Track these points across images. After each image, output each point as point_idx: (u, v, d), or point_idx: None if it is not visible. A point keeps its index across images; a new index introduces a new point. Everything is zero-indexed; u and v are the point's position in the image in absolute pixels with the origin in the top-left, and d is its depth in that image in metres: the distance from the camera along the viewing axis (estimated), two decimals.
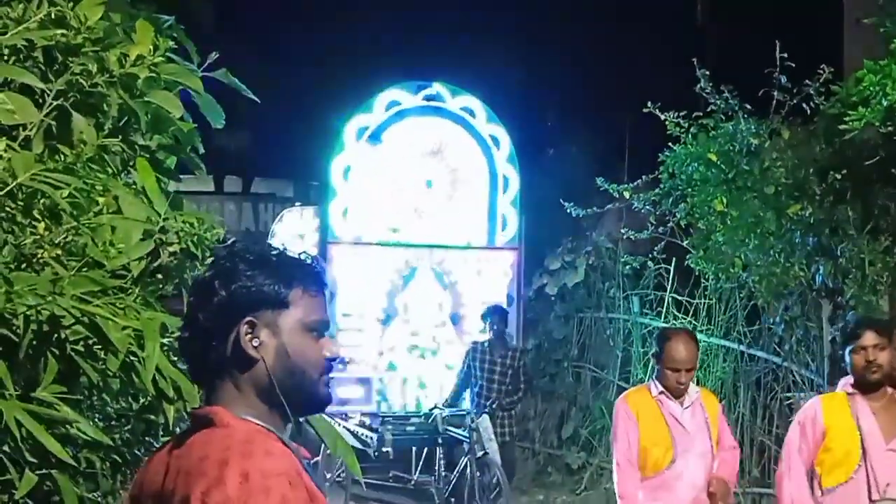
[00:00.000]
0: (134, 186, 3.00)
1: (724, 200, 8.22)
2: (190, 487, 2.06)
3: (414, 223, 11.52)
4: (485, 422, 9.81)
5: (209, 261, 2.34)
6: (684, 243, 9.22)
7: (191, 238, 2.98)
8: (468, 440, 10.01)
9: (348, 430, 10.87)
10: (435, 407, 10.80)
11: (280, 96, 13.09)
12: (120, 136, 2.99)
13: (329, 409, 8.11)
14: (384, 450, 11.01)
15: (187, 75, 3.12)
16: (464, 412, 10.47)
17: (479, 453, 9.82)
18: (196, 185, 11.79)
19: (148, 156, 3.03)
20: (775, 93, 8.33)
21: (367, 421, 11.23)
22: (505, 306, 11.38)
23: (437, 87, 11.66)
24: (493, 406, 10.01)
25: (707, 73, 8.46)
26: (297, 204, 11.83)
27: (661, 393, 5.36)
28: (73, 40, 2.93)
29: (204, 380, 2.28)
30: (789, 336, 8.97)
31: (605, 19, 13.93)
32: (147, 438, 2.98)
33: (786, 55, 8.22)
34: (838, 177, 7.62)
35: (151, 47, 2.99)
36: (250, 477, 2.03)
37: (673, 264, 10.16)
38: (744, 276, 8.67)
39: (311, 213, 11.41)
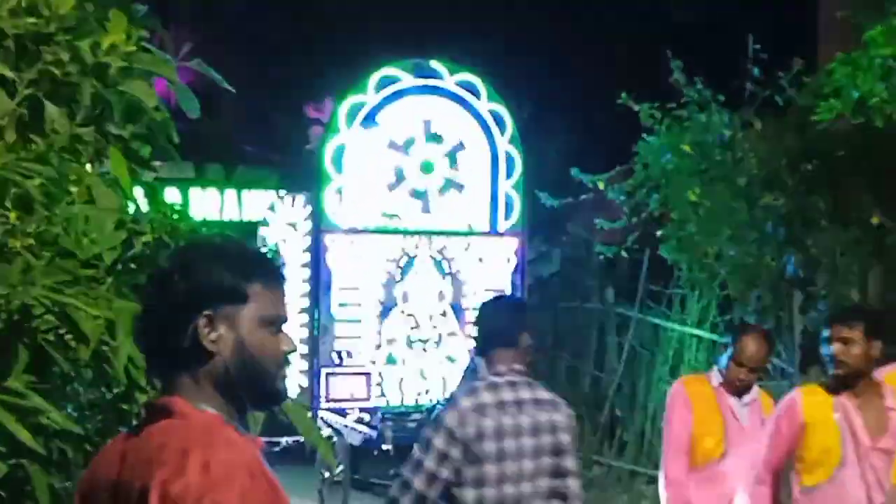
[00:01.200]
0: (108, 176, 3.20)
1: (697, 191, 8.56)
2: (149, 477, 2.20)
3: (412, 209, 11.67)
4: None
5: (169, 252, 2.51)
6: (658, 234, 9.58)
7: (164, 228, 3.18)
8: None
9: (346, 426, 11.06)
10: (438, 402, 11.00)
11: (266, 79, 13.36)
12: (93, 126, 3.18)
13: (326, 405, 8.37)
14: (384, 447, 11.23)
15: (161, 64, 3.31)
16: None
17: None
18: (177, 172, 11.96)
19: (121, 145, 3.23)
20: (748, 84, 8.70)
21: (366, 417, 11.42)
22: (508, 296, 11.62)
23: (434, 64, 11.77)
24: None
25: (681, 64, 8.78)
26: (280, 192, 11.86)
27: (721, 384, 5.53)
28: (44, 29, 3.12)
29: (161, 371, 2.44)
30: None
31: (580, 8, 14.24)
32: (120, 428, 3.17)
33: (759, 46, 8.66)
34: (810, 168, 8.07)
35: (125, 36, 3.18)
36: (211, 467, 2.18)
37: (647, 254, 10.53)
38: (716, 267, 9.10)
39: (304, 201, 11.48)
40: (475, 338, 5.00)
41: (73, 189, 2.99)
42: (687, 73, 9.06)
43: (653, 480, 9.44)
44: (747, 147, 8.63)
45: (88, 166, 3.22)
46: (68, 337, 2.82)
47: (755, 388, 5.61)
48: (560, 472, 4.55)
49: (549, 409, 4.64)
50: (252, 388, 2.41)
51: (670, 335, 11.63)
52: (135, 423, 2.61)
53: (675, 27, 13.90)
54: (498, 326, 4.74)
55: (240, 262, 2.43)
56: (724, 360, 5.55)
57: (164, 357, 2.39)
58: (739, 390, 5.51)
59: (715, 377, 5.56)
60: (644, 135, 9.34)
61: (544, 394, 4.71)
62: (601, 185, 10.14)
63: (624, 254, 10.62)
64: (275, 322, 2.44)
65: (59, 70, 3.09)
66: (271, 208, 11.85)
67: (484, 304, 5.17)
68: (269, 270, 2.48)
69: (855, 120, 7.41)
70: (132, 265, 3.15)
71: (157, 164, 3.47)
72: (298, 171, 12.60)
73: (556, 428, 4.60)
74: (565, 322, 12.46)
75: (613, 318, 11.63)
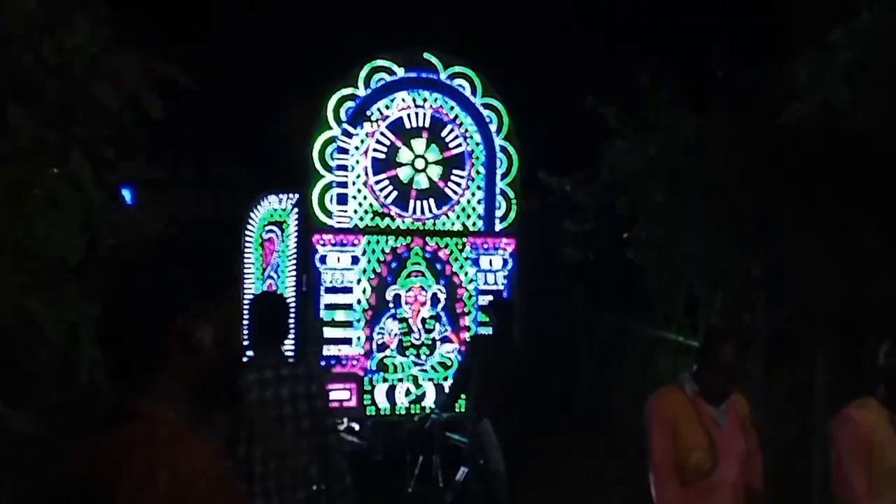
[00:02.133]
0: (72, 178, 3.36)
1: (663, 193, 8.80)
2: (115, 483, 2.35)
3: (404, 208, 11.79)
4: (485, 426, 9.99)
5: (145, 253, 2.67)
6: (625, 236, 10.04)
7: (130, 230, 3.35)
8: (468, 446, 10.30)
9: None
10: (431, 410, 11.12)
11: (246, 71, 13.55)
12: (57, 127, 3.35)
13: None
14: (375, 458, 11.33)
15: (127, 64, 3.48)
16: (462, 415, 10.76)
17: (480, 461, 10.04)
18: (148, 172, 12.10)
19: (86, 147, 3.39)
20: (715, 86, 9.07)
21: (356, 426, 11.56)
22: (509, 299, 11.76)
23: (427, 56, 11.89)
24: (495, 409, 10.15)
25: (650, 66, 9.09)
26: (267, 194, 11.94)
27: (697, 393, 5.58)
28: (7, 29, 3.29)
29: (127, 372, 2.56)
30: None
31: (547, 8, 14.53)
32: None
33: (727, 48, 9.00)
34: (776, 170, 8.36)
35: (90, 36, 3.35)
36: (179, 477, 2.34)
37: (614, 257, 10.86)
38: (682, 268, 9.59)
39: (291, 199, 11.59)
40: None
41: (36, 191, 3.15)
42: (655, 74, 9.37)
43: (622, 481, 9.77)
44: (713, 149, 8.91)
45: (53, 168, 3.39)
46: (31, 339, 2.98)
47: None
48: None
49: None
50: (227, 386, 2.61)
51: (639, 336, 12.02)
52: (98, 424, 2.68)
53: (644, 27, 14.30)
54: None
55: (213, 262, 2.63)
56: (697, 366, 5.63)
57: (133, 357, 2.52)
58: (718, 397, 5.59)
59: (689, 386, 5.61)
60: (611, 137, 9.82)
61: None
62: (568, 188, 10.49)
63: (590, 255, 10.98)
64: (241, 319, 2.63)
65: (22, 70, 3.25)
66: (255, 207, 11.91)
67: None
68: (233, 269, 2.67)
69: (819, 122, 7.76)
70: (96, 267, 3.31)
71: (127, 163, 3.63)
72: (283, 169, 12.71)
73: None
74: (539, 325, 12.83)
75: (582, 320, 11.99)
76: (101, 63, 3.38)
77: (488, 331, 11.22)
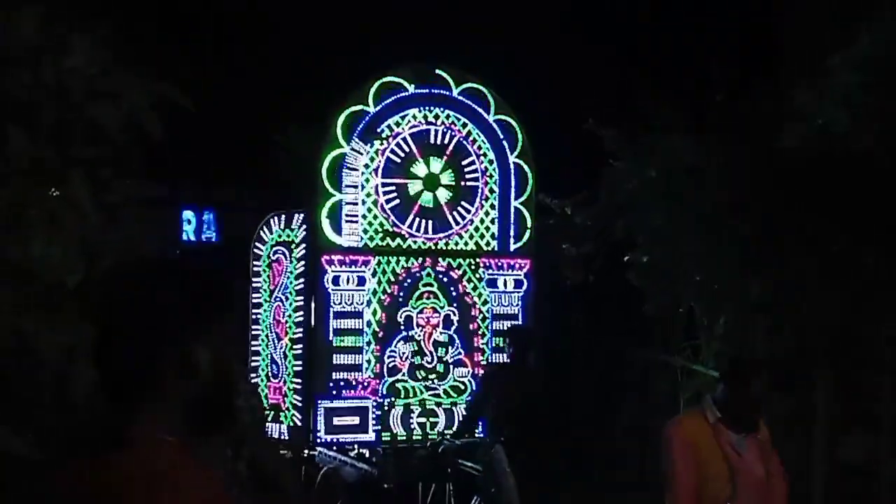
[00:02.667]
0: (70, 199, 3.48)
1: (662, 216, 9.05)
2: None
3: (416, 227, 11.90)
4: (498, 453, 10.00)
5: (144, 276, 2.75)
6: (625, 259, 10.38)
7: (128, 251, 3.47)
8: (481, 475, 10.37)
9: (342, 460, 11.24)
10: (444, 437, 11.18)
11: (254, 89, 13.79)
12: (56, 148, 3.47)
13: (323, 438, 8.79)
14: (386, 486, 11.38)
15: (127, 86, 3.60)
16: (476, 442, 10.80)
17: (492, 490, 10.01)
18: (148, 192, 12.29)
19: (84, 168, 3.52)
20: (714, 109, 9.44)
21: (366, 453, 11.54)
22: (527, 326, 11.86)
23: (439, 72, 12.03)
24: (510, 440, 10.21)
25: (648, 89, 9.39)
26: (275, 214, 12.06)
27: (718, 420, 5.68)
28: (6, 51, 3.42)
29: (123, 395, 2.63)
30: (726, 351, 10.24)
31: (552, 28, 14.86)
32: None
33: (725, 71, 9.42)
34: (774, 194, 8.68)
35: (88, 58, 3.48)
36: None
37: (613, 280, 11.19)
38: (682, 292, 9.97)
39: (299, 219, 11.72)
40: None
41: (34, 212, 3.27)
42: (654, 97, 9.66)
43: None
44: (712, 172, 9.24)
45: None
46: (28, 361, 3.09)
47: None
48: None
49: None
50: (224, 409, 2.70)
51: (637, 359, 12.25)
52: (92, 448, 2.72)
53: (644, 50, 14.66)
54: None
55: (215, 283, 2.73)
56: (722, 395, 5.71)
57: (130, 380, 2.60)
58: (746, 426, 5.68)
59: (711, 413, 5.70)
60: (610, 160, 10.25)
61: None
62: (568, 210, 10.79)
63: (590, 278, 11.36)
64: (233, 342, 2.74)
65: (22, 92, 3.38)
66: (263, 228, 12.04)
67: None
68: (229, 290, 2.79)
69: (818, 146, 8.10)
70: (95, 289, 3.42)
71: (128, 183, 3.75)
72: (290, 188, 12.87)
73: None
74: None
75: (582, 344, 12.25)
76: (99, 84, 3.50)
77: (502, 355, 11.32)
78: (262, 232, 12.14)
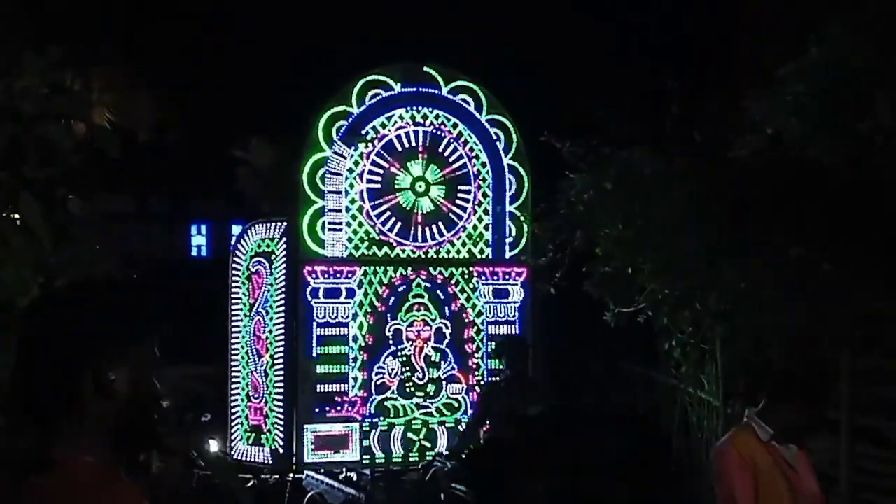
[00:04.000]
0: (21, 220, 3.81)
1: (621, 227, 10.22)
2: None
3: (405, 234, 12.13)
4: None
5: (65, 300, 3.01)
6: (583, 270, 11.01)
7: (81, 270, 3.79)
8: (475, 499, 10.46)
9: (333, 486, 11.42)
10: (435, 459, 11.24)
11: (230, 91, 14.21)
12: (8, 169, 3.80)
13: (307, 460, 9.06)
14: None
15: (79, 106, 3.93)
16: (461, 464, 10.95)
17: None
18: (117, 206, 12.69)
19: (37, 188, 3.84)
20: (670, 121, 10.16)
21: (354, 476, 11.69)
22: (521, 336, 12.06)
23: (427, 69, 12.31)
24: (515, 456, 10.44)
25: (603, 101, 10.10)
26: (254, 223, 12.26)
27: (772, 438, 5.84)
28: None
29: (44, 417, 2.91)
30: (685, 359, 11.14)
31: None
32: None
33: (681, 83, 10.15)
34: (730, 202, 9.31)
35: (40, 78, 3.80)
36: None
37: (573, 291, 11.70)
38: (641, 302, 10.66)
39: (280, 228, 11.93)
40: None
41: None
42: (611, 110, 10.34)
43: None
44: (669, 183, 9.97)
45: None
46: None
47: None
48: None
49: None
50: (144, 428, 3.00)
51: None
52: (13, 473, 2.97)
53: (602, 65, 15.37)
54: None
55: (135, 304, 3.03)
56: (771, 412, 5.89)
57: (50, 402, 2.88)
58: (796, 441, 5.91)
59: (762, 431, 5.85)
60: (567, 172, 10.91)
61: None
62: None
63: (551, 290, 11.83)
64: (158, 362, 3.05)
65: None
66: (241, 238, 12.30)
67: None
68: (158, 311, 3.09)
69: (770, 155, 8.76)
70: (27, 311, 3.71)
71: (84, 203, 4.05)
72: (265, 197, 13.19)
73: None
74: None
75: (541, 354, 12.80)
76: (51, 104, 3.81)
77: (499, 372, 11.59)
78: (240, 243, 12.38)
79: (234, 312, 12.45)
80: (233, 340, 12.47)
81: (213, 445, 12.46)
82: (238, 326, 12.43)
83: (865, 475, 9.96)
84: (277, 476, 11.75)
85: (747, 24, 12.62)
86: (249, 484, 11.58)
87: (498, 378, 11.68)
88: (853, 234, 8.71)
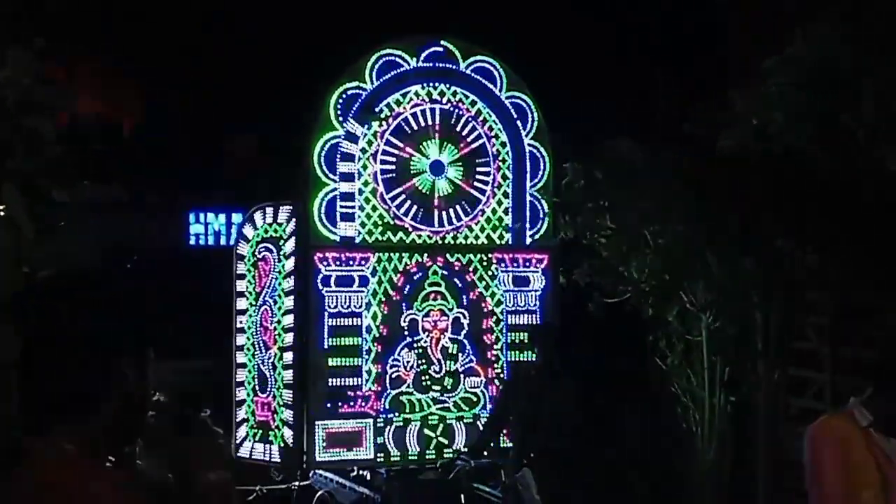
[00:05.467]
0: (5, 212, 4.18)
1: (608, 217, 11.22)
2: None
3: (420, 219, 12.43)
4: (526, 477, 10.37)
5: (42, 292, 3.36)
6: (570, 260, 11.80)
7: (65, 262, 4.16)
8: (502, 502, 10.69)
9: (344, 485, 11.69)
10: (458, 457, 11.46)
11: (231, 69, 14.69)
12: None
13: (319, 459, 9.51)
14: None
15: (62, 97, 4.29)
16: (495, 463, 11.13)
17: None
18: (111, 195, 13.14)
19: (20, 179, 4.21)
20: (659, 115, 11.18)
21: (367, 475, 12.01)
22: (551, 322, 12.43)
23: (445, 44, 12.58)
24: (536, 455, 10.69)
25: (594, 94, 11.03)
26: (261, 207, 12.49)
27: (870, 424, 5.97)
28: None
29: (38, 411, 3.29)
30: (671, 350, 12.01)
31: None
32: None
33: (669, 77, 11.49)
34: (714, 194, 10.25)
35: (23, 70, 4.16)
36: None
37: (560, 280, 12.64)
38: (627, 292, 11.59)
39: (287, 212, 12.15)
40: None
41: None
42: (602, 101, 11.54)
43: None
44: (655, 174, 10.92)
45: None
46: None
47: None
48: None
49: None
50: (129, 424, 3.35)
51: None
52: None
53: (592, 59, 15.98)
54: None
55: (116, 299, 3.42)
56: (874, 398, 6.06)
57: (41, 397, 3.25)
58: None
59: (862, 416, 5.96)
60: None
61: None
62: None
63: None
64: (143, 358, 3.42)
65: None
66: (246, 225, 12.60)
67: None
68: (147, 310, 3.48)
69: (755, 147, 9.53)
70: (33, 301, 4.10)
71: (61, 192, 4.41)
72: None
73: None
74: None
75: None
76: (34, 95, 4.16)
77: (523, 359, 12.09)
78: (244, 229, 12.67)
79: (238, 304, 12.70)
80: (237, 333, 12.75)
81: None
82: (243, 318, 12.68)
83: None
84: (285, 475, 12.04)
85: (737, 17, 13.30)
86: (252, 497, 11.93)
87: (523, 366, 12.11)
88: (838, 226, 9.48)
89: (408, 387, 12.34)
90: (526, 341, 12.37)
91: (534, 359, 11.52)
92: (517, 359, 12.55)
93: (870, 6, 9.31)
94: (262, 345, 12.46)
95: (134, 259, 16.27)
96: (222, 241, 18.69)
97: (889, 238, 9.69)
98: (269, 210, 12.42)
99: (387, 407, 12.23)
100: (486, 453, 11.49)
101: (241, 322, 12.71)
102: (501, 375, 12.55)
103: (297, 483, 11.94)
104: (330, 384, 12.03)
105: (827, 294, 10.87)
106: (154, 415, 8.84)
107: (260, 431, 12.37)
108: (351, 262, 12.15)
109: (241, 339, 12.75)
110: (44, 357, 3.10)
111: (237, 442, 12.56)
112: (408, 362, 12.36)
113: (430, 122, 12.51)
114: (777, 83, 9.42)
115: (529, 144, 12.76)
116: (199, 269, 16.72)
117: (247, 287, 12.65)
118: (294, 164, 12.51)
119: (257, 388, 12.49)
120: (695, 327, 11.76)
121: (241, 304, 12.72)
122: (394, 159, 12.38)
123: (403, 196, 12.39)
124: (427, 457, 12.30)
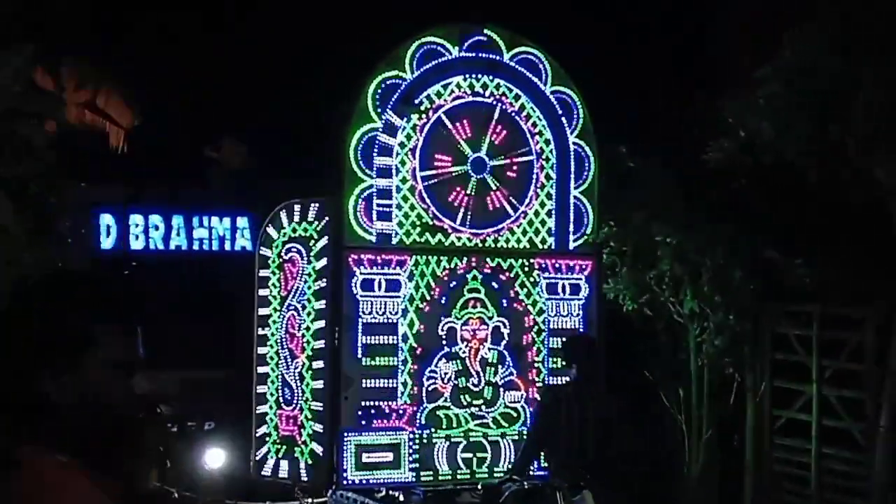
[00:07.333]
0: None
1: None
2: None
3: (460, 220, 12.41)
4: (586, 500, 10.13)
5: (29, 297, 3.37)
6: None
7: (53, 267, 4.13)
8: None
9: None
10: (508, 478, 10.86)
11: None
12: None
13: (349, 478, 9.46)
14: None
15: (52, 104, 4.25)
16: (551, 484, 10.63)
17: None
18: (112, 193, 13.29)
19: (11, 184, 4.17)
20: (650, 122, 12.10)
21: (399, 496, 12.05)
22: (589, 334, 12.47)
23: (489, 33, 12.58)
24: (582, 474, 10.36)
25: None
26: (289, 203, 12.48)
27: None
28: None
29: (11, 415, 3.33)
30: (659, 360, 12.85)
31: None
32: None
33: (661, 86, 12.47)
34: (703, 204, 11.00)
35: (13, 76, 4.12)
36: None
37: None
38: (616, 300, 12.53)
39: (316, 209, 12.14)
40: None
41: None
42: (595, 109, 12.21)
43: None
44: (644, 180, 11.91)
45: None
46: None
47: None
48: None
49: None
50: (103, 432, 3.35)
51: None
52: None
53: (586, 58, 16.25)
54: None
55: (85, 305, 3.40)
56: None
57: (15, 400, 3.28)
58: None
59: None
60: None
61: None
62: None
63: None
64: (122, 365, 3.42)
65: None
66: (270, 226, 12.54)
67: None
68: (119, 313, 3.47)
69: (744, 157, 10.24)
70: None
71: (54, 198, 4.38)
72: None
73: None
74: None
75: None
76: (24, 102, 4.14)
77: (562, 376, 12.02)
78: (268, 230, 12.64)
79: (261, 311, 12.64)
80: (260, 344, 12.68)
81: (218, 457, 12.78)
82: (266, 326, 12.61)
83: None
84: (311, 496, 11.98)
85: (728, 26, 13.61)
86: None
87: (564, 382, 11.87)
88: (826, 237, 10.25)
89: (445, 401, 12.38)
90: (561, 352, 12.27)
91: (566, 374, 11.27)
92: (547, 381, 12.58)
93: (856, 13, 9.72)
94: (287, 353, 12.44)
95: (132, 265, 16.35)
96: (226, 247, 18.79)
97: (877, 248, 10.28)
98: (297, 208, 12.42)
99: (423, 422, 12.26)
100: (529, 472, 11.07)
101: (263, 330, 12.64)
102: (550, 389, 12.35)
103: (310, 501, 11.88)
104: (363, 397, 11.98)
105: (815, 305, 11.35)
106: (150, 426, 8.88)
107: (284, 447, 12.39)
108: (387, 265, 12.15)
109: (262, 349, 12.67)
110: (10, 361, 3.14)
111: (257, 459, 12.59)
112: (445, 374, 12.38)
113: (472, 117, 12.47)
114: (764, 93, 9.88)
115: (574, 143, 12.87)
116: (202, 273, 16.71)
117: (270, 291, 12.62)
118: (293, 166, 12.49)
119: (282, 400, 12.47)
120: (682, 339, 12.54)
121: (264, 311, 12.65)
122: (434, 153, 12.36)
123: (444, 193, 12.37)
124: (464, 476, 12.29)
